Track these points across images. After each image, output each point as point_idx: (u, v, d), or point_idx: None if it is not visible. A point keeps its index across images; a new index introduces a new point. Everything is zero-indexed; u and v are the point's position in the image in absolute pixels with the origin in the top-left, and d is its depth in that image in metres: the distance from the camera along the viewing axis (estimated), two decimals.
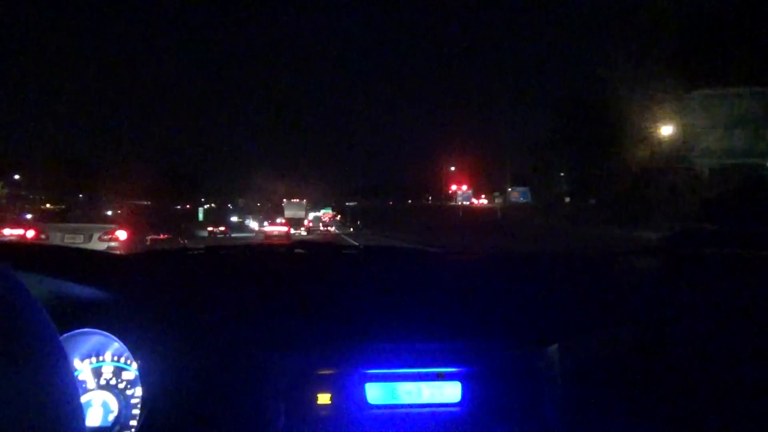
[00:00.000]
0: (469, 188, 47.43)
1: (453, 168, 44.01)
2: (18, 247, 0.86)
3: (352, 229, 39.25)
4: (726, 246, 1.09)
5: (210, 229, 29.27)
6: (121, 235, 6.90)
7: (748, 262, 1.01)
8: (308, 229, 36.63)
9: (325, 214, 58.02)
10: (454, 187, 47.16)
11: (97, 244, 6.63)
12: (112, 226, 7.07)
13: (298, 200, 41.81)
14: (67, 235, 6.80)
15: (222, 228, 31.23)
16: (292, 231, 29.98)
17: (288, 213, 37.57)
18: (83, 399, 0.85)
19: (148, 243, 7.56)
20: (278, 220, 30.77)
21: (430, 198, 60.11)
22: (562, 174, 25.03)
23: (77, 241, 6.88)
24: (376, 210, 53.67)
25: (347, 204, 64.69)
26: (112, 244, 6.73)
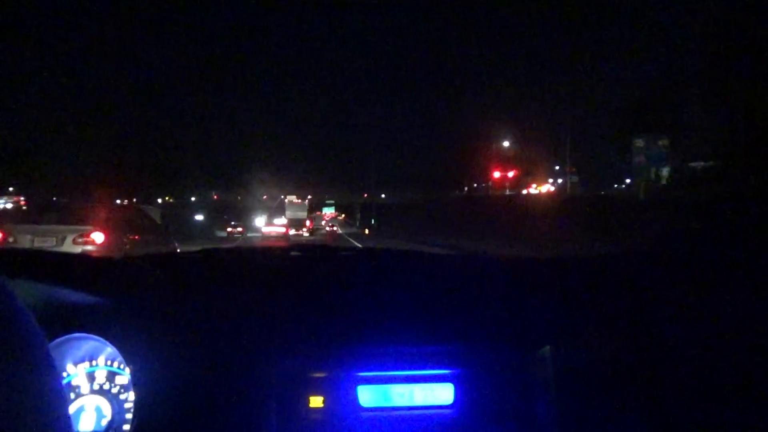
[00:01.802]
0: (516, 174, 40.13)
1: (503, 145, 36.07)
2: (7, 253, 0.94)
3: (367, 231, 36.55)
4: (717, 246, 1.21)
5: (229, 230, 32.76)
6: (98, 237, 6.95)
7: (740, 264, 1.09)
8: (310, 230, 38.07)
9: (327, 213, 59.15)
10: (497, 174, 39.28)
11: (71, 248, 6.70)
12: (88, 227, 7.09)
13: (300, 200, 41.86)
14: (36, 238, 6.97)
15: (240, 228, 34.46)
16: (293, 232, 30.41)
17: (289, 213, 37.64)
18: (77, 404, 0.94)
19: (127, 246, 7.56)
20: (276, 221, 32.10)
21: (465, 188, 52.39)
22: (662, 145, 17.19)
23: (48, 244, 6.96)
24: (396, 206, 48.50)
25: (354, 201, 59.64)
26: (88, 247, 6.81)
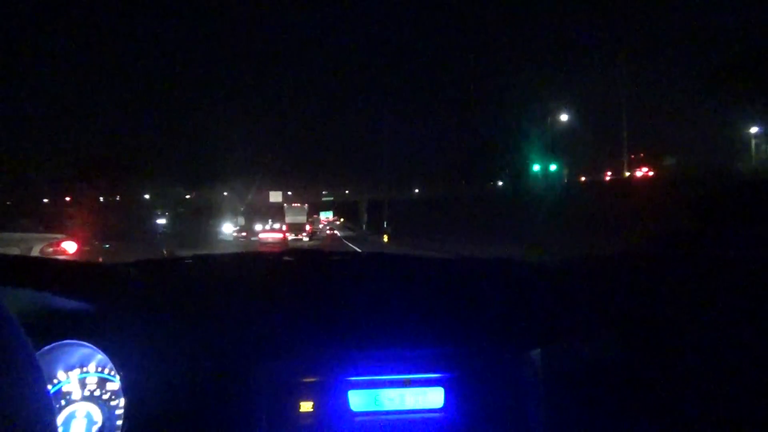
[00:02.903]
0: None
1: (564, 123, 28.28)
2: None
3: (386, 238, 29.52)
4: (709, 247, 1.31)
5: (235, 234, 33.19)
6: (69, 247, 6.74)
7: (731, 264, 1.20)
8: (310, 235, 38.64)
9: (324, 218, 59.28)
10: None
11: None
12: (59, 236, 7.10)
13: (299, 205, 42.26)
14: None
15: (244, 234, 34.66)
16: (292, 237, 30.27)
17: (288, 218, 38.17)
18: (68, 410, 0.99)
19: (100, 259, 7.46)
20: (274, 226, 32.70)
21: (496, 182, 41.49)
22: None
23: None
24: (413, 203, 44.27)
25: (357, 199, 54.70)
26: (58, 258, 7.36)
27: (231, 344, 1.02)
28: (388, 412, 1.04)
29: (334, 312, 1.10)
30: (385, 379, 1.05)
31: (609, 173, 35.69)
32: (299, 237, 34.26)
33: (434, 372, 1.06)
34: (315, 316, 1.09)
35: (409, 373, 1.05)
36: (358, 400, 1.04)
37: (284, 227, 31.08)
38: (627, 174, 32.68)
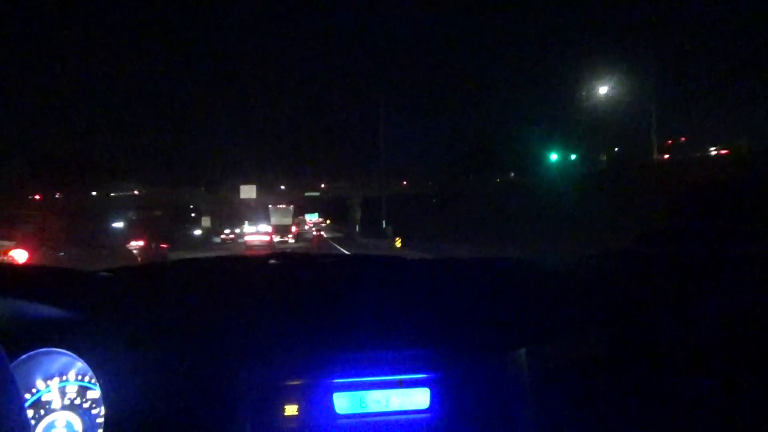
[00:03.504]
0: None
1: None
2: None
3: (398, 243, 24.81)
4: (691, 244, 1.39)
5: (223, 236, 34.47)
6: (19, 255, 6.58)
7: (715, 262, 1.25)
8: (296, 236, 38.35)
9: (310, 220, 59.56)
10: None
11: None
12: (7, 243, 6.83)
13: (284, 205, 42.04)
14: None
15: (232, 236, 36.05)
16: (278, 239, 30.14)
17: (274, 220, 38.11)
18: (48, 419, 1.00)
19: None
20: (260, 228, 32.78)
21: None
22: None
23: None
24: (414, 199, 40.24)
25: (347, 195, 49.38)
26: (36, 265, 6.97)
27: (214, 349, 1.04)
28: (373, 414, 1.08)
29: (318, 314, 1.12)
30: (370, 381, 1.08)
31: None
32: (284, 239, 34.07)
33: (420, 373, 1.09)
34: (299, 319, 1.11)
35: (395, 374, 1.08)
36: (343, 403, 1.07)
37: (270, 229, 31.02)
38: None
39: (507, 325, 1.14)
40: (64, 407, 1.04)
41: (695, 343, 1.08)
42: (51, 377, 1.05)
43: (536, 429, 1.05)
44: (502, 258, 1.63)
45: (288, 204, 42.16)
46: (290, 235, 36.59)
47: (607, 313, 1.16)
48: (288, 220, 39.51)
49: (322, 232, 44.42)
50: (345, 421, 1.07)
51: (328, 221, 70.17)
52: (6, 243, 6.86)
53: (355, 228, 48.43)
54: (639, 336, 1.11)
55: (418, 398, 1.09)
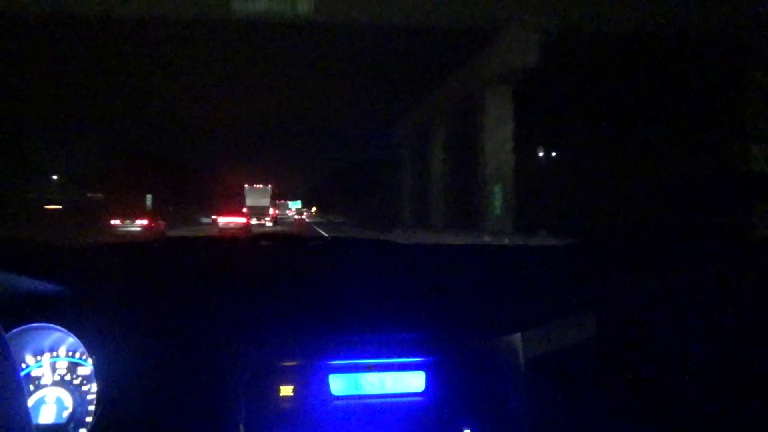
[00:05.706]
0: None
1: None
2: None
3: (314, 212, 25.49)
4: (684, 235, 1.45)
5: (213, 217, 30.34)
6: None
7: (707, 252, 1.27)
8: (274, 220, 36.33)
9: (292, 208, 57.88)
10: None
11: None
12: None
13: (261, 185, 38.88)
14: None
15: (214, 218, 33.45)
16: (255, 222, 28.54)
17: (249, 201, 35.26)
18: (37, 395, 1.00)
19: None
20: (234, 210, 32.10)
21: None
22: None
23: None
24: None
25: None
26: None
27: (208, 327, 1.04)
28: (368, 396, 1.08)
29: (314, 296, 1.13)
30: (365, 363, 1.09)
31: None
32: (261, 222, 32.40)
33: (415, 356, 1.10)
34: (295, 300, 1.11)
35: (390, 357, 1.09)
36: (339, 384, 1.08)
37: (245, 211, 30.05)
38: None
39: (502, 309, 1.15)
40: (54, 383, 1.04)
41: (685, 331, 1.10)
42: (41, 353, 1.04)
43: (530, 413, 1.06)
44: (497, 243, 1.67)
45: (266, 184, 40.26)
46: (268, 218, 35.14)
47: (602, 298, 1.17)
48: (266, 201, 36.46)
49: (303, 216, 43.48)
50: (340, 402, 1.08)
51: (314, 209, 68.59)
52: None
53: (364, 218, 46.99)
54: (631, 322, 1.12)
55: (414, 381, 1.10)
